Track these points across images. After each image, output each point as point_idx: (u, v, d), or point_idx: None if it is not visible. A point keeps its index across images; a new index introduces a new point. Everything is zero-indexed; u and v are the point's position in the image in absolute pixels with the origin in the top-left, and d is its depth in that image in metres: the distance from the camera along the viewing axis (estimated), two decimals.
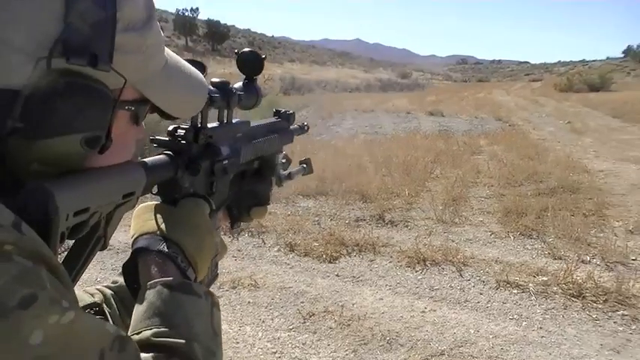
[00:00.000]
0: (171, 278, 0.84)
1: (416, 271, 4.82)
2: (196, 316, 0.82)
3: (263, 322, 4.00)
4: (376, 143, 11.37)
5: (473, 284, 4.57)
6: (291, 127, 1.48)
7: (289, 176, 1.48)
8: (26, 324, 0.55)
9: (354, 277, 4.71)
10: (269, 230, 5.64)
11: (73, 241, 0.80)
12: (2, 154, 0.67)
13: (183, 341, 0.76)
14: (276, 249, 5.26)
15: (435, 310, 4.13)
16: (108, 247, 0.89)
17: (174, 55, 0.91)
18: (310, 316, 4.04)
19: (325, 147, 10.21)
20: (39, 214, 0.67)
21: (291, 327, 3.94)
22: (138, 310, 0.80)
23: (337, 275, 4.74)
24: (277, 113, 1.45)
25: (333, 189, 7.17)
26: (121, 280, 1.09)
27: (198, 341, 0.79)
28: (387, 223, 6.13)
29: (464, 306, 4.22)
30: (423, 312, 4.11)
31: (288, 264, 4.96)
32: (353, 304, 4.21)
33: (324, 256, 5.09)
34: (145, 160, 0.94)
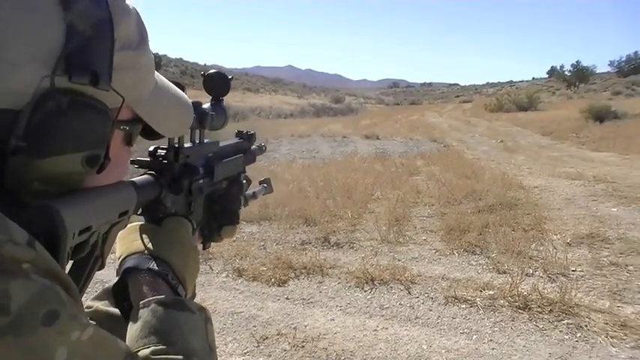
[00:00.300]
0: (163, 296, 0.84)
1: (365, 291, 4.85)
2: (192, 332, 0.82)
3: (217, 347, 3.97)
4: (315, 167, 11.43)
5: (422, 301, 4.63)
6: (252, 147, 1.51)
7: (254, 195, 1.53)
8: (51, 340, 0.57)
9: (304, 299, 4.72)
10: (216, 257, 5.60)
11: (71, 262, 0.81)
12: (2, 174, 0.67)
13: (181, 357, 0.77)
14: (224, 275, 5.22)
15: (386, 328, 4.17)
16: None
17: (161, 76, 0.94)
18: (264, 340, 4.02)
19: (264, 173, 10.13)
20: (47, 232, 0.67)
21: (245, 351, 3.91)
22: (132, 329, 0.80)
23: (287, 298, 4.74)
24: (239, 134, 1.48)
25: (277, 214, 7.18)
26: (95, 304, 1.09)
27: (197, 356, 0.80)
28: (332, 246, 6.17)
29: (415, 323, 4.27)
30: (375, 330, 4.14)
31: (238, 289, 4.93)
32: (305, 326, 4.22)
33: (272, 279, 5.08)
34: (133, 179, 0.96)
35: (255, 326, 4.24)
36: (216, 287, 5.00)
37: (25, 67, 0.65)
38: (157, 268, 0.90)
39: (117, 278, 0.92)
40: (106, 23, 0.72)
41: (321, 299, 4.72)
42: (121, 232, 0.94)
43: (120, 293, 0.92)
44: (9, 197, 0.67)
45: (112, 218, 0.84)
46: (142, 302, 0.82)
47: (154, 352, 0.76)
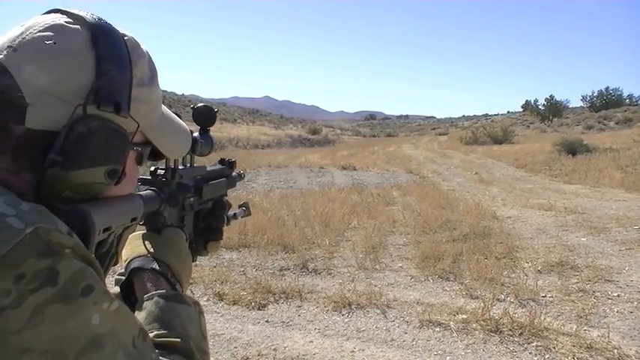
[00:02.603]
0: (164, 290, 1.02)
1: (342, 315, 4.99)
2: (189, 321, 1.00)
3: None
4: (292, 197, 11.53)
5: (397, 324, 4.77)
6: (233, 173, 1.68)
7: (235, 216, 1.70)
8: (89, 308, 0.74)
9: (283, 322, 4.84)
10: (197, 281, 5.70)
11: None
12: (38, 183, 0.85)
13: (179, 340, 0.94)
14: (205, 299, 5.32)
15: (363, 350, 4.30)
16: None
17: (165, 107, 1.13)
18: None
19: (242, 200, 10.22)
20: (80, 228, 0.85)
21: None
22: (138, 317, 0.94)
23: (267, 321, 4.85)
24: (222, 161, 1.64)
25: (256, 241, 7.29)
26: None
27: (193, 341, 0.96)
28: (310, 272, 6.30)
29: (390, 345, 4.40)
30: (353, 352, 4.27)
31: (218, 312, 5.04)
32: (285, 347, 4.34)
33: (252, 303, 5.20)
34: (140, 192, 1.14)
35: (236, 347, 4.35)
36: None
37: (65, 98, 0.85)
38: (158, 268, 1.09)
39: (125, 277, 1.10)
40: (126, 64, 0.92)
41: (300, 322, 4.84)
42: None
43: (127, 289, 1.09)
44: (43, 204, 0.82)
45: (125, 222, 1.03)
46: (146, 295, 1.01)
47: (156, 336, 0.92)
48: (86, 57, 0.86)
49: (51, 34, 0.85)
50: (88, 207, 0.89)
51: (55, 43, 0.84)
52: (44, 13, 0.91)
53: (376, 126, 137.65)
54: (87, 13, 0.90)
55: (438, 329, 4.65)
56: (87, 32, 0.88)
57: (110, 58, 0.88)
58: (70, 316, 0.71)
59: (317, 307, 5.17)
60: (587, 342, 4.30)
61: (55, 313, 0.69)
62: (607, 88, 75.13)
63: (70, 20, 0.88)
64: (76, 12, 0.90)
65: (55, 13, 0.90)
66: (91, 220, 0.88)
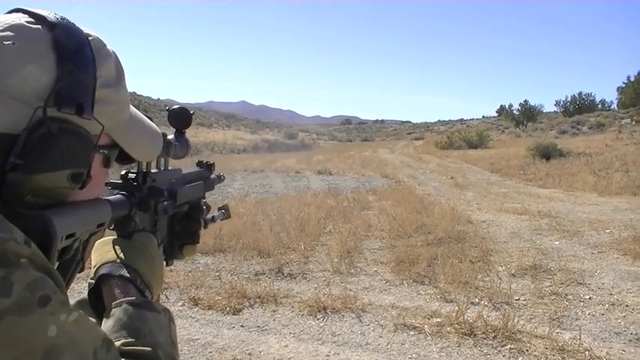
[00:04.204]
0: (134, 297, 0.99)
1: (317, 319, 4.99)
2: (158, 329, 0.96)
3: None
4: (268, 202, 11.51)
5: (372, 328, 4.78)
6: (212, 176, 1.66)
7: (213, 219, 1.66)
8: (45, 319, 0.72)
9: (258, 326, 4.83)
10: (171, 286, 5.67)
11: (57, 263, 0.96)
12: (0, 187, 0.83)
13: (149, 349, 0.91)
14: (180, 304, 5.29)
15: (338, 354, 4.31)
16: None
17: (134, 108, 1.11)
18: None
19: (219, 205, 10.18)
20: (41, 235, 0.84)
21: None
22: (105, 325, 0.93)
23: (242, 326, 4.84)
24: (200, 163, 1.63)
25: (231, 246, 7.26)
26: None
27: (162, 349, 0.93)
28: (286, 276, 6.29)
29: (365, 349, 4.41)
30: (328, 356, 4.27)
31: (193, 317, 5.02)
32: (260, 352, 4.33)
33: (227, 308, 5.18)
34: (108, 197, 1.12)
35: (211, 352, 4.34)
36: None
37: (24, 99, 0.83)
38: (127, 274, 1.05)
39: (92, 284, 1.06)
40: (90, 65, 0.90)
41: (275, 327, 4.83)
42: (96, 244, 1.09)
43: (95, 297, 1.06)
44: (5, 208, 0.81)
45: (91, 228, 1.01)
46: (114, 303, 0.97)
47: (124, 344, 0.89)
48: (47, 58, 0.84)
49: (10, 34, 0.83)
50: (49, 213, 0.87)
51: (14, 44, 0.82)
52: (6, 13, 0.89)
53: (352, 130, 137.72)
54: (49, 13, 0.88)
55: (412, 333, 4.66)
56: (48, 32, 0.86)
57: (72, 59, 0.86)
58: (25, 327, 0.69)
59: (292, 312, 5.17)
60: (560, 344, 4.34)
61: (9, 325, 0.67)
62: (580, 94, 75.85)
63: (32, 20, 0.86)
64: (38, 11, 0.88)
65: (16, 12, 0.88)
66: (52, 226, 0.85)
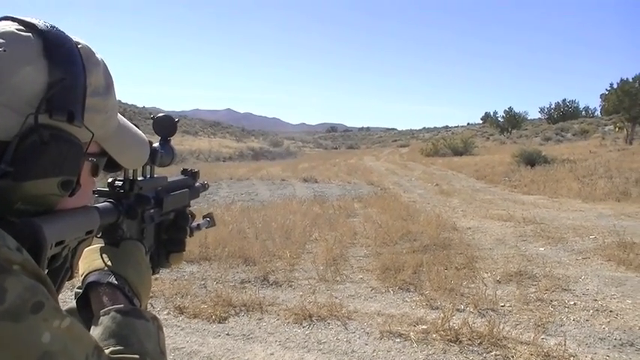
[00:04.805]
0: (122, 305, 0.98)
1: (303, 327, 4.98)
2: (146, 336, 0.96)
3: None
4: (254, 210, 11.49)
5: (358, 336, 4.77)
6: (196, 184, 1.66)
7: (198, 227, 1.66)
8: (38, 325, 0.71)
9: (244, 335, 4.81)
10: (157, 295, 5.64)
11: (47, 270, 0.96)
12: None
13: (138, 356, 0.90)
14: (165, 312, 5.27)
15: None
16: None
17: (122, 117, 1.11)
18: None
19: (203, 214, 10.16)
20: (31, 242, 0.83)
21: None
22: (94, 333, 0.92)
23: (228, 334, 4.82)
24: (185, 171, 1.62)
25: (216, 254, 7.25)
26: None
27: (151, 357, 0.93)
28: (271, 284, 6.28)
29: (351, 356, 4.40)
30: None
31: (179, 326, 4.99)
32: None
33: (213, 316, 5.16)
34: (96, 205, 1.12)
35: None
36: None
37: (15, 107, 0.83)
38: (115, 282, 1.04)
39: (80, 291, 1.05)
40: (80, 72, 0.90)
41: (260, 335, 4.82)
42: (84, 251, 1.09)
43: (83, 305, 1.05)
44: None
45: (80, 235, 1.01)
46: (102, 310, 0.96)
47: (112, 352, 0.88)
48: (38, 65, 0.84)
49: (1, 41, 0.83)
50: (39, 220, 0.87)
51: (5, 51, 0.82)
52: None
53: (338, 138, 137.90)
54: (39, 21, 0.88)
55: (398, 340, 4.66)
56: (39, 40, 0.86)
57: (63, 67, 0.86)
58: (19, 334, 0.68)
59: (278, 320, 5.15)
60: (545, 350, 4.36)
61: (3, 331, 0.67)
62: (564, 100, 76.44)
63: (22, 28, 0.87)
64: (27, 19, 0.88)
65: (5, 20, 0.89)
66: (42, 234, 0.85)
